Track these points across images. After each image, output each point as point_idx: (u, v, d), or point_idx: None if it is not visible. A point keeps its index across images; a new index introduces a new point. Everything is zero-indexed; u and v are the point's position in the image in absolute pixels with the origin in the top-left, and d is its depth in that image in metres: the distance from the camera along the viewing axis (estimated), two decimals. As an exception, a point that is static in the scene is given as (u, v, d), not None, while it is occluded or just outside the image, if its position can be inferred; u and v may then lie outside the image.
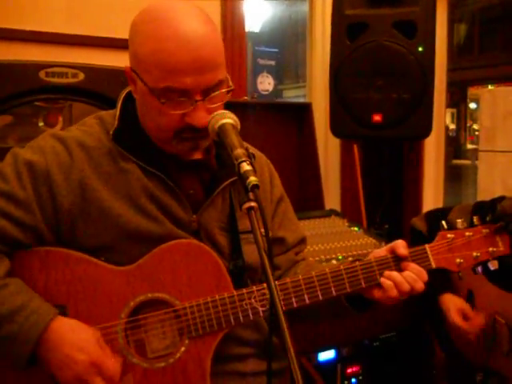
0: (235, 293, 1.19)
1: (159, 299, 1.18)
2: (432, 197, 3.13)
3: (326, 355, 2.13)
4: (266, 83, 6.01)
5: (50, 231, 1.20)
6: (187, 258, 1.19)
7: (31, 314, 1.11)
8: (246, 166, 1.01)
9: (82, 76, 2.02)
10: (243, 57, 2.76)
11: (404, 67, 2.60)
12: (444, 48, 3.07)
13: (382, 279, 1.23)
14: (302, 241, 1.49)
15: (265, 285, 1.21)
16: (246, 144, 1.46)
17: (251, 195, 0.96)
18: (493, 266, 1.31)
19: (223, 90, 1.22)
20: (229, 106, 2.66)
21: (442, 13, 3.06)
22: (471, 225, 1.31)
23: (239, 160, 1.03)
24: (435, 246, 1.29)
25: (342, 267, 1.24)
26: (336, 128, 2.78)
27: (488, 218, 1.30)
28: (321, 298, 1.21)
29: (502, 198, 1.88)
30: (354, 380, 2.20)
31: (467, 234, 1.29)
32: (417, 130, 2.67)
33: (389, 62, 2.61)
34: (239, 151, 1.05)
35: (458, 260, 1.28)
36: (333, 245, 2.21)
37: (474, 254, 1.29)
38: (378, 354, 2.24)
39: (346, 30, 2.69)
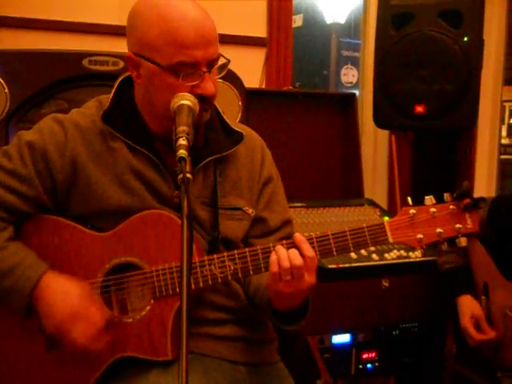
0: (197, 259, 1.29)
1: (131, 263, 1.31)
2: (484, 194, 3.04)
3: (341, 338, 2.18)
4: (349, 75, 5.99)
5: (50, 201, 1.36)
6: (157, 227, 1.31)
7: (27, 269, 1.28)
8: (180, 141, 1.13)
9: (121, 64, 2.20)
10: (289, 47, 2.84)
11: (448, 57, 2.57)
12: (502, 39, 2.95)
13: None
14: (286, 223, 1.53)
15: (225, 253, 1.30)
16: (240, 125, 1.55)
17: (181, 167, 1.06)
18: (460, 243, 1.27)
19: (220, 64, 1.35)
20: (273, 95, 2.76)
21: (502, 2, 2.94)
22: (441, 202, 1.28)
23: (177, 135, 1.14)
24: (395, 221, 1.28)
25: (258, 247, 1.30)
26: (379, 118, 2.80)
27: (455, 195, 1.27)
28: (240, 275, 1.30)
29: None
30: (369, 365, 2.23)
31: (432, 210, 1.26)
32: (460, 121, 2.62)
33: (433, 52, 2.59)
34: (181, 128, 1.16)
35: (418, 236, 1.27)
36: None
37: (438, 230, 1.26)
38: (397, 343, 2.26)
39: (391, 19, 2.69)
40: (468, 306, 1.95)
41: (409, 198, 1.32)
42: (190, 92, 1.29)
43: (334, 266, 2.05)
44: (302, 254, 1.24)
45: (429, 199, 1.29)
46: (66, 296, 1.28)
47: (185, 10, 1.27)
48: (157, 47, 1.27)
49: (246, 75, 2.38)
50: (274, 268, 1.23)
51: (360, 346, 2.21)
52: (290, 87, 2.84)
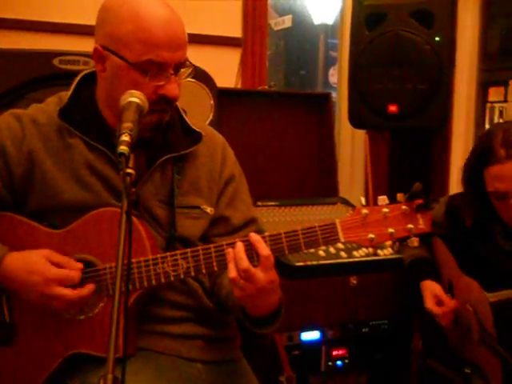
0: (151, 257, 1.30)
1: (86, 260, 1.33)
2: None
3: (310, 335, 2.20)
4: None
5: (9, 196, 1.38)
6: (111, 224, 1.32)
7: None
8: (123, 137, 1.13)
9: (92, 64, 2.21)
10: (264, 47, 2.85)
11: (420, 57, 2.60)
12: (475, 39, 2.97)
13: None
14: (250, 221, 1.54)
15: (178, 252, 1.31)
16: (201, 125, 1.56)
17: (123, 162, 1.08)
18: (412, 243, 1.28)
19: (185, 68, 1.37)
20: (248, 95, 2.78)
21: (475, 4, 2.96)
22: (394, 202, 1.28)
23: (120, 132, 1.15)
24: (347, 220, 1.28)
25: (211, 246, 1.30)
26: (354, 118, 2.82)
27: (406, 196, 1.27)
28: (193, 274, 1.31)
29: None
30: (339, 363, 2.25)
31: (384, 210, 1.27)
32: (431, 121, 2.65)
33: (405, 51, 2.62)
34: (124, 125, 1.16)
35: (370, 236, 1.27)
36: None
37: (390, 230, 1.26)
38: (367, 340, 2.27)
39: (364, 19, 2.71)
40: (428, 288, 1.97)
41: (362, 198, 1.32)
42: (153, 92, 1.31)
43: (301, 264, 2.06)
44: (257, 254, 1.25)
45: (382, 199, 1.29)
46: (30, 269, 1.29)
47: (157, 11, 1.30)
48: (127, 43, 1.29)
49: (221, 75, 2.39)
50: (232, 272, 1.25)
51: (329, 343, 2.22)
52: (265, 87, 2.86)
